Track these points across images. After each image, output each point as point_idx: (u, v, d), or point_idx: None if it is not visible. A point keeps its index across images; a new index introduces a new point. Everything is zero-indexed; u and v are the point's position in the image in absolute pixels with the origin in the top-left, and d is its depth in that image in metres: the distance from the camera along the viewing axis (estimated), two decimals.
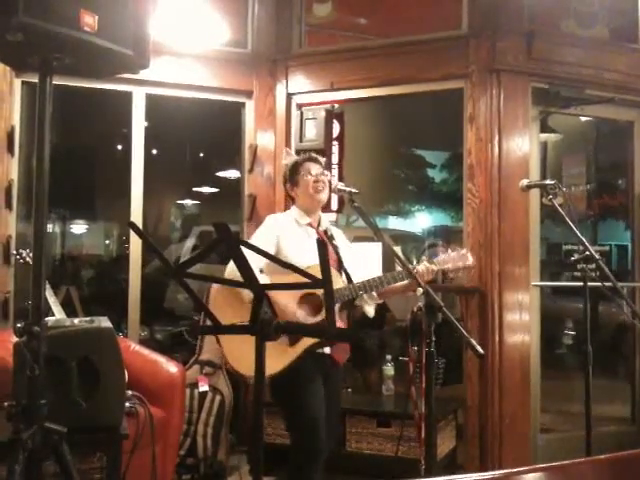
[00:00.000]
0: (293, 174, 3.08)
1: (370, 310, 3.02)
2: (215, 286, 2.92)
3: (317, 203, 3.06)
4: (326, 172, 3.10)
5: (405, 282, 2.90)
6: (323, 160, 3.14)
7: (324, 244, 1.68)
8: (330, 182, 3.07)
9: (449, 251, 2.99)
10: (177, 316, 6.24)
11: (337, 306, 2.83)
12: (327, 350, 2.92)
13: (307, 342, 2.78)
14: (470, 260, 2.99)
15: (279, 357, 2.71)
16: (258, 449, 1.84)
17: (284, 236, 2.93)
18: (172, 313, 6.45)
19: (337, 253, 3.01)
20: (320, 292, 2.76)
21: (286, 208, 4.46)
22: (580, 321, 2.92)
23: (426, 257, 2.94)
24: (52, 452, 1.81)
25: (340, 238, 3.17)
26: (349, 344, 3.04)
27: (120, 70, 2.07)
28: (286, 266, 1.85)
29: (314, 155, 3.14)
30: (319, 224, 3.09)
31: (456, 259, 2.97)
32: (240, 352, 2.64)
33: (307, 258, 2.64)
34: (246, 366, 2.71)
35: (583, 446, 2.84)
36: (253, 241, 2.83)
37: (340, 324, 2.84)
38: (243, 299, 2.66)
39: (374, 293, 2.99)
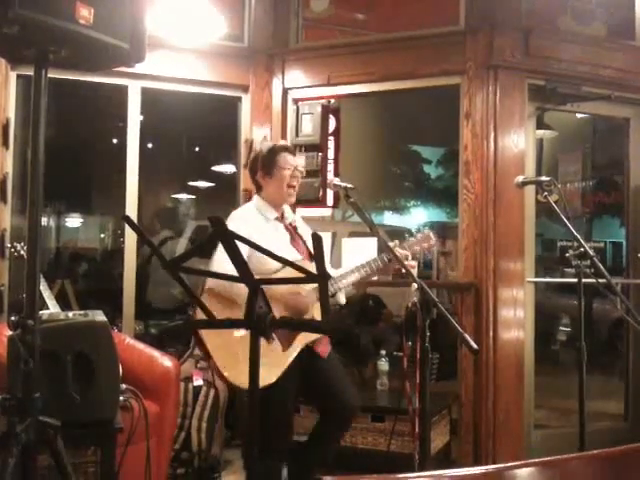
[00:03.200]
0: (269, 162, 2.94)
1: (342, 298, 3.02)
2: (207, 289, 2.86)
3: (286, 202, 3.00)
4: (301, 167, 3.02)
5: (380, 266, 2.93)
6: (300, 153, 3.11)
7: (319, 238, 1.68)
8: (302, 174, 3.03)
9: (415, 234, 3.06)
10: (172, 310, 6.22)
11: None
12: None
13: (300, 342, 2.77)
14: (433, 239, 3.06)
15: (273, 367, 2.67)
16: (252, 443, 1.84)
17: (255, 234, 2.74)
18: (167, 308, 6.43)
19: (305, 244, 2.99)
20: (303, 289, 2.77)
21: None
22: (574, 317, 2.93)
23: (395, 243, 2.95)
24: (46, 446, 1.81)
25: (302, 227, 3.11)
26: (329, 337, 3.04)
27: (116, 63, 2.05)
28: (280, 260, 1.84)
29: (290, 146, 3.08)
30: (283, 216, 3.02)
31: (421, 240, 3.03)
32: (235, 364, 2.62)
33: (286, 254, 2.60)
34: (241, 377, 2.70)
35: (576, 442, 2.85)
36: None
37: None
38: (237, 302, 2.59)
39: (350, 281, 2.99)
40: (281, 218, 2.99)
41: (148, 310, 5.99)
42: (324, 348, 2.99)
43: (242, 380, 2.66)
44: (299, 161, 3.04)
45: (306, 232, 3.06)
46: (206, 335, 2.73)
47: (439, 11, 4.54)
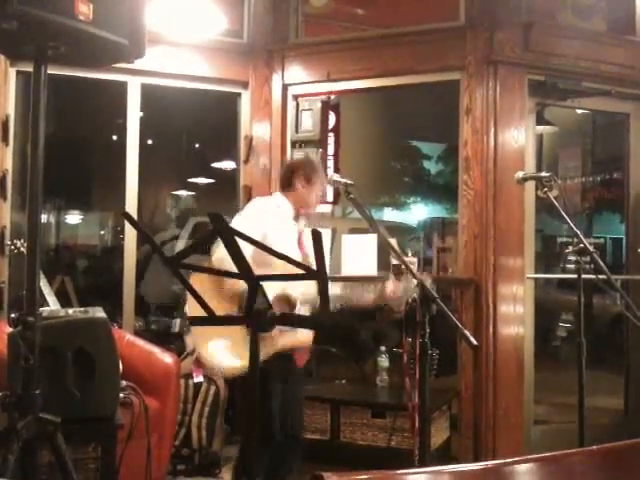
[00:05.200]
0: (315, 172, 3.08)
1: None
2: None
3: (311, 209, 3.13)
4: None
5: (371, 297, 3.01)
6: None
7: (319, 234, 1.68)
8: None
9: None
10: (171, 307, 6.22)
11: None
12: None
13: (274, 347, 2.79)
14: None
15: (242, 359, 2.70)
16: (252, 439, 1.84)
17: (273, 226, 2.94)
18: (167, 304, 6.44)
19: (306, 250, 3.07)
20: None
21: None
22: (574, 313, 2.93)
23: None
24: (47, 442, 1.81)
25: (309, 239, 3.20)
26: (310, 347, 3.06)
27: (115, 60, 2.05)
28: (281, 257, 1.84)
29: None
30: (297, 220, 3.14)
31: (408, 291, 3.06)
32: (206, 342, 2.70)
33: (292, 253, 2.68)
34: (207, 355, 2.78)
35: (576, 437, 2.86)
36: (242, 223, 2.86)
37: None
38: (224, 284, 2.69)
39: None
40: (296, 221, 3.11)
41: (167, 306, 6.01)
42: (301, 358, 3.02)
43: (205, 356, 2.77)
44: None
45: (309, 241, 3.15)
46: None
47: (439, 6, 4.53)
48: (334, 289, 2.96)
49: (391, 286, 2.90)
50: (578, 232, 2.79)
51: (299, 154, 3.10)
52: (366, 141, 8.62)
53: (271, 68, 4.53)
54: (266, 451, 2.88)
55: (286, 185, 3.10)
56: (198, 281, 2.79)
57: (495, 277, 4.02)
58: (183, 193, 10.61)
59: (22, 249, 3.48)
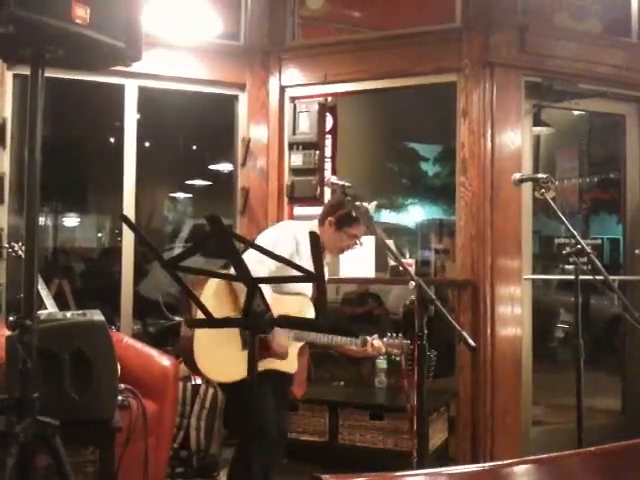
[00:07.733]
0: (343, 221, 3.02)
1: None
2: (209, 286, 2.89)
3: (330, 255, 3.14)
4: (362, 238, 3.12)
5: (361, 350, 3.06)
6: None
7: (316, 237, 1.69)
8: (361, 244, 3.14)
9: (394, 336, 3.13)
10: (170, 309, 6.22)
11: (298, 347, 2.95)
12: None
13: (268, 365, 2.82)
14: (404, 348, 3.12)
15: (237, 367, 2.73)
16: (251, 441, 1.84)
17: (296, 253, 2.93)
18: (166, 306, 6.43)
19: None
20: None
21: (279, 202, 4.47)
22: (572, 314, 2.93)
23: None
24: (45, 445, 1.81)
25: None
26: (307, 377, 3.13)
27: (112, 63, 2.06)
28: (281, 260, 1.85)
29: (369, 217, 3.05)
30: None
31: (395, 345, 3.11)
32: (213, 358, 2.72)
33: (305, 287, 2.86)
34: (214, 370, 2.81)
35: (574, 438, 2.86)
36: (275, 236, 2.95)
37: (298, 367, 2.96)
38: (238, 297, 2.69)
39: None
40: None
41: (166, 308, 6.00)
42: (299, 389, 3.08)
43: (210, 372, 2.81)
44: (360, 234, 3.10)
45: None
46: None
47: (435, 8, 4.54)
48: (322, 338, 3.01)
49: (370, 348, 3.02)
50: (575, 233, 2.80)
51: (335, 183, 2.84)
52: (363, 143, 8.61)
53: (268, 70, 4.54)
54: (259, 451, 2.88)
55: (321, 219, 3.11)
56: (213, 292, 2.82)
57: (492, 278, 4.02)
58: (180, 195, 10.62)
59: (20, 252, 3.48)
